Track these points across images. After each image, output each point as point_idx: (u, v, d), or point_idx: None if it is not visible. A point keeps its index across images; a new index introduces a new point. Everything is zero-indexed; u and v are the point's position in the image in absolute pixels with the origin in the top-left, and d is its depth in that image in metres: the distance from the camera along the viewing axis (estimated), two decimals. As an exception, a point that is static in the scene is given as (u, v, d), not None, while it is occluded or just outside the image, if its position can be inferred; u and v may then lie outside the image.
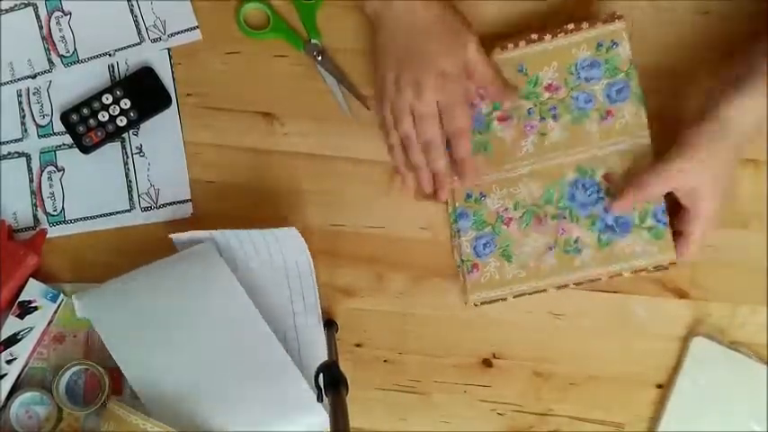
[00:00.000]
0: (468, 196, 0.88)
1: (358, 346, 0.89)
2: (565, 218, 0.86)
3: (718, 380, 0.86)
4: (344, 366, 0.77)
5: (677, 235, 0.84)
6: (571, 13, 0.90)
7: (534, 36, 0.88)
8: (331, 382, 0.75)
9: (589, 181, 0.86)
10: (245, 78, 0.91)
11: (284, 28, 0.92)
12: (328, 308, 0.89)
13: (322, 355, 0.83)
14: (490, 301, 0.87)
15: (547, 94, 0.88)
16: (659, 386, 0.88)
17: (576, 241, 0.86)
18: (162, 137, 0.91)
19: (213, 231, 0.85)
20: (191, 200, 0.90)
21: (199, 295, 0.83)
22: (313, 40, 0.92)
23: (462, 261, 0.88)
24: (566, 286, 0.86)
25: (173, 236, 0.86)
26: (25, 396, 0.86)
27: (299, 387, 0.81)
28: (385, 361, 0.89)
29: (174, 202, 0.90)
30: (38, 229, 0.89)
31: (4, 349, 0.85)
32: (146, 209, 0.90)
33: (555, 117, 0.87)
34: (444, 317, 0.89)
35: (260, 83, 0.91)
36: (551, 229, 0.87)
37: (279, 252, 0.86)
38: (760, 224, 0.89)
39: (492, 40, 0.88)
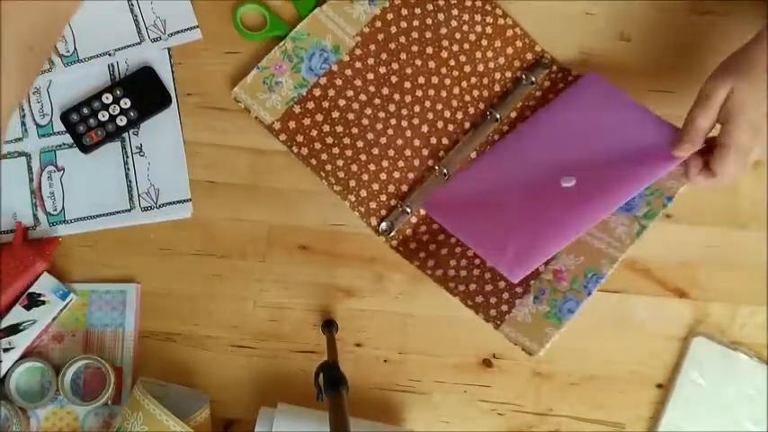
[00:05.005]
0: None
1: (358, 346, 0.89)
2: None
3: (718, 380, 0.86)
4: (344, 366, 0.77)
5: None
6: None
7: None
8: (331, 382, 0.75)
9: None
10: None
11: (282, 28, 0.92)
12: (328, 308, 0.89)
13: None
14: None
15: None
16: (659, 386, 0.88)
17: None
18: (162, 137, 0.91)
19: None
20: (191, 200, 0.90)
21: None
22: (313, 40, 0.92)
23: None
24: None
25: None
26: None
27: None
28: (385, 361, 0.89)
29: (173, 202, 0.90)
30: (52, 236, 0.88)
31: (5, 336, 0.84)
32: (146, 209, 0.90)
33: None
34: (444, 317, 0.89)
35: (260, 83, 0.91)
36: None
37: None
38: (760, 224, 0.89)
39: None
